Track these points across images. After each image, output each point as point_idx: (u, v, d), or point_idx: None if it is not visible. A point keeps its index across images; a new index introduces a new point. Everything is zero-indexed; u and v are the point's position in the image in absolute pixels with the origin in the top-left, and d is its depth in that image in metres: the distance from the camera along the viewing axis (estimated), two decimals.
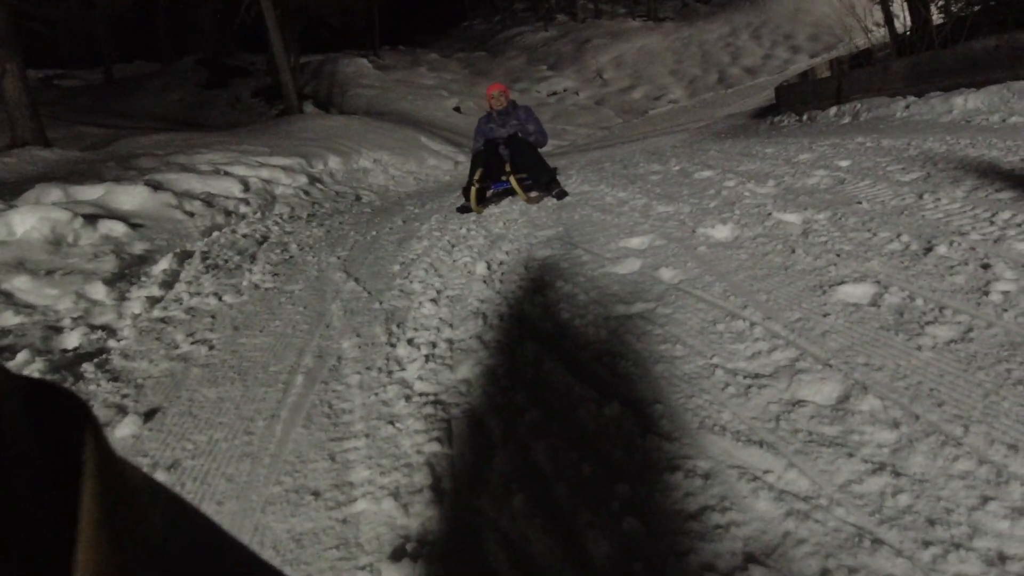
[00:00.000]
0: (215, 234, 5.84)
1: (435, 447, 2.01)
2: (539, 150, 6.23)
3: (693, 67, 24.53)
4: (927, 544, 1.31)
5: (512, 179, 5.95)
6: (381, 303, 3.58)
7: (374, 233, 5.67)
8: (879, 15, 13.66)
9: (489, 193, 6.24)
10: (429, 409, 2.27)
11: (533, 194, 6.03)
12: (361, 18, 26.81)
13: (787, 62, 23.69)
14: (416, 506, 1.76)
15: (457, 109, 18.91)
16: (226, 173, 7.73)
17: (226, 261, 4.89)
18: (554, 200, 5.68)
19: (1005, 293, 2.31)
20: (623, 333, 2.56)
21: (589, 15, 30.78)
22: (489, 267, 3.83)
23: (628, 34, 27.59)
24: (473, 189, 5.92)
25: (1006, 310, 2.18)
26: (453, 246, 4.57)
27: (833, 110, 9.67)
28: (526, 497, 1.69)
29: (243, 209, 6.77)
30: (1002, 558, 1.26)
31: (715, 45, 26.09)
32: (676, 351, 2.31)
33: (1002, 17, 11.19)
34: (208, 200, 6.56)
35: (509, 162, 6.02)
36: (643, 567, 1.40)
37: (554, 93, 23.42)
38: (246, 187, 7.40)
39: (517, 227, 4.83)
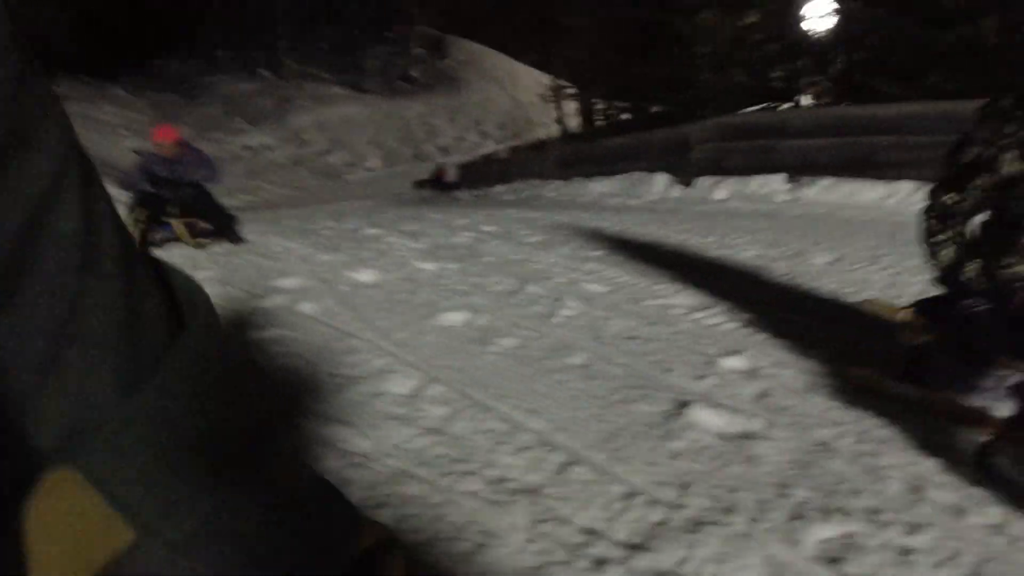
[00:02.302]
0: None
1: None
2: (215, 190, 6.04)
3: (391, 140, 25.85)
4: (447, 475, 1.75)
5: (175, 223, 5.66)
6: None
7: None
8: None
9: (157, 236, 5.78)
10: None
11: (201, 239, 5.76)
12: (38, 40, 23.83)
13: (477, 145, 26.05)
14: None
15: (137, 152, 17.62)
16: None
17: None
18: (226, 244, 5.65)
19: (566, 316, 3.02)
20: (258, 355, 2.80)
21: (295, 75, 30.83)
22: None
23: (332, 100, 28.22)
24: (137, 231, 5.51)
25: (560, 327, 2.86)
26: None
27: (501, 188, 11.05)
28: None
29: None
30: (501, 480, 1.73)
31: (414, 122, 27.79)
32: (298, 364, 2.62)
33: (648, 121, 13.71)
34: None
35: (178, 205, 5.72)
36: None
37: (250, 148, 22.96)
38: None
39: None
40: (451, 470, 1.77)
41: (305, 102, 27.25)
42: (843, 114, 7.29)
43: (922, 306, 2.19)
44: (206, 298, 0.37)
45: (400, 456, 1.85)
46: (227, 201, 14.00)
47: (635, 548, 1.42)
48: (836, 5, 13.76)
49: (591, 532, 1.48)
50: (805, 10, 14.24)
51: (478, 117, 28.68)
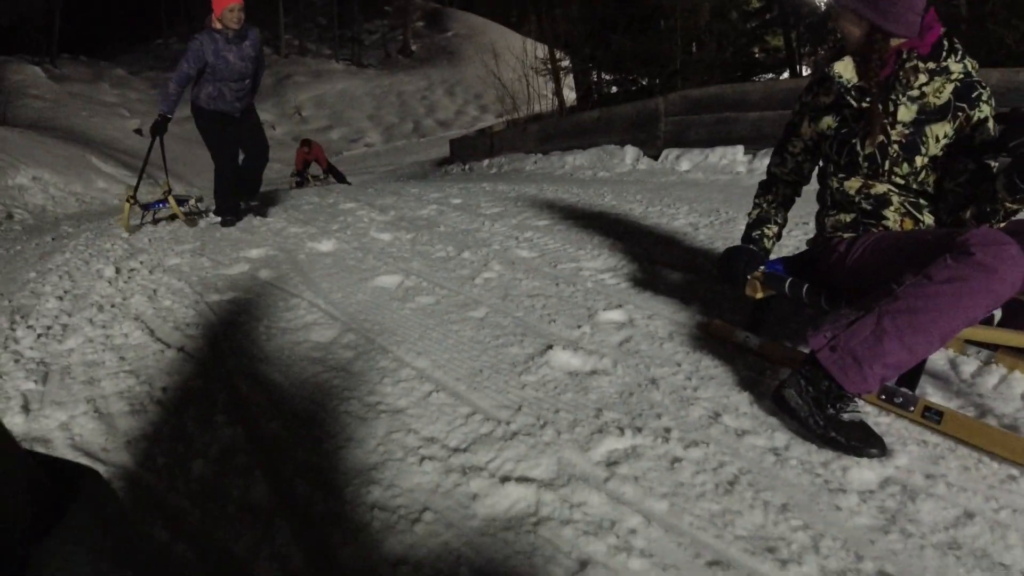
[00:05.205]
0: None
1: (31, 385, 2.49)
2: None
3: (391, 115, 26.08)
4: (335, 399, 2.18)
5: (171, 199, 5.79)
6: (10, 301, 3.82)
7: (19, 248, 5.66)
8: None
9: (154, 215, 6.01)
10: (32, 365, 2.70)
11: (193, 216, 5.99)
12: (37, 19, 23.93)
13: (476, 119, 26.22)
14: None
15: (138, 131, 18.10)
16: None
17: None
18: (206, 220, 5.96)
19: (486, 279, 3.43)
20: (212, 313, 3.23)
21: (293, 51, 31.08)
22: (118, 271, 4.24)
23: (330, 75, 28.44)
24: (127, 206, 5.64)
25: (475, 287, 3.28)
26: (93, 257, 4.85)
27: (486, 162, 11.38)
28: None
29: None
30: (376, 404, 2.15)
31: (413, 96, 27.96)
32: (245, 319, 3.05)
33: (632, 94, 13.96)
34: None
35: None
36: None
37: None
38: None
39: (161, 243, 5.19)
40: (340, 397, 2.21)
41: (304, 78, 27.53)
42: (796, 86, 7.53)
43: (775, 264, 2.55)
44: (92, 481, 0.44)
45: (304, 387, 2.29)
46: None
47: (457, 451, 1.85)
48: None
49: (429, 440, 1.91)
50: None
51: (478, 91, 28.75)
